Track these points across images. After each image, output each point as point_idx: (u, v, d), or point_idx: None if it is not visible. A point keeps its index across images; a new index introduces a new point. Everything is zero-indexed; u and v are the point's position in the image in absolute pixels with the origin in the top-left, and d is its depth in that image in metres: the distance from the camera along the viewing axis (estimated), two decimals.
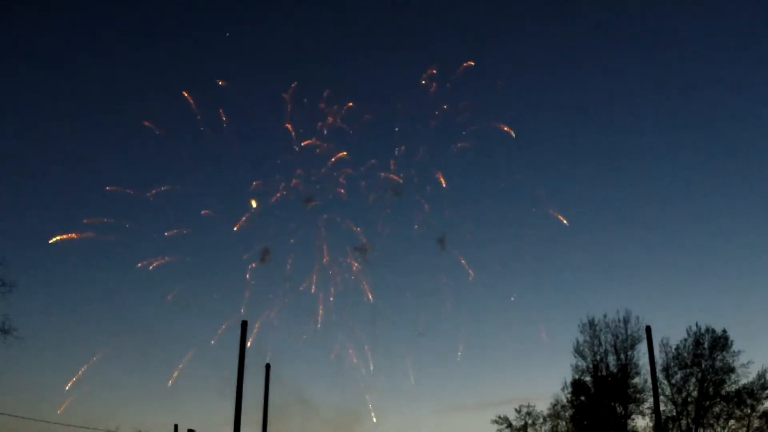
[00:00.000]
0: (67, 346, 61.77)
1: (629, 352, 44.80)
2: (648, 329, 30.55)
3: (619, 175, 69.78)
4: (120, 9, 65.65)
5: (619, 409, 44.80)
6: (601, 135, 70.32)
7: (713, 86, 68.59)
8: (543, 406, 47.65)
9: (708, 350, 43.84)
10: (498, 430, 47.14)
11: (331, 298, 56.99)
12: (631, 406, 44.68)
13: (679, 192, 68.64)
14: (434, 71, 52.17)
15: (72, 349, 62.67)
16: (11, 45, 63.80)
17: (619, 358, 44.96)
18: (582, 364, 45.83)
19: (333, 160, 52.96)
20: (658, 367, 40.55)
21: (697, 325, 44.50)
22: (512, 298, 64.42)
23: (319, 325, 52.38)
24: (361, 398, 53.67)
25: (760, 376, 43.09)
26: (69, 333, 61.82)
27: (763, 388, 43.12)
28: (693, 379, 43.85)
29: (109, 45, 66.39)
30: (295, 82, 53.31)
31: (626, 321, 44.96)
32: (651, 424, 43.21)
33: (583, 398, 46.08)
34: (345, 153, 53.23)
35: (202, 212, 61.68)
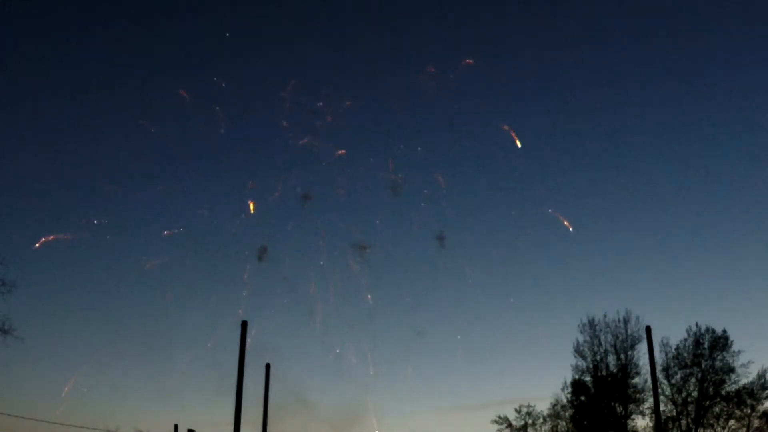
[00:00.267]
0: (67, 346, 61.69)
1: (629, 352, 44.87)
2: (648, 329, 30.56)
3: (619, 174, 69.74)
4: (117, 7, 65.65)
5: (619, 409, 44.81)
6: (601, 135, 70.29)
7: (713, 86, 68.62)
8: (543, 406, 47.66)
9: (708, 350, 43.86)
10: (498, 430, 47.15)
11: (331, 298, 57.02)
12: (631, 406, 44.70)
13: (679, 192, 68.61)
14: (433, 69, 52.18)
15: (72, 349, 62.58)
16: (4, 42, 63.80)
17: (619, 358, 44.99)
18: (582, 364, 45.90)
19: (332, 158, 52.98)
20: (658, 367, 40.57)
21: (697, 325, 44.59)
22: (511, 299, 64.58)
23: (318, 325, 52.38)
24: (361, 398, 53.67)
25: (760, 376, 43.12)
26: (69, 333, 61.73)
27: (763, 388, 43.13)
28: (693, 379, 43.88)
29: (105, 43, 66.39)
30: (293, 80, 53.34)
31: (626, 321, 45.02)
32: (651, 424, 43.22)
33: (583, 398, 46.08)
34: (343, 151, 53.23)
35: (199, 211, 61.69)
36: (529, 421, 46.97)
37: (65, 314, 59.93)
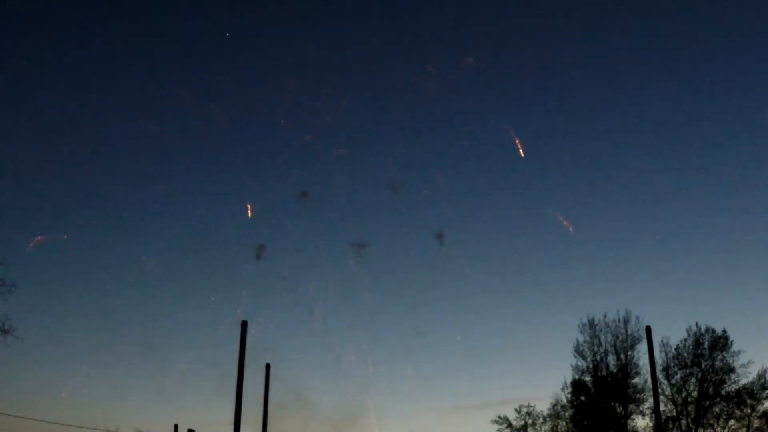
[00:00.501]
0: (67, 346, 61.69)
1: (629, 352, 44.87)
2: (648, 329, 30.56)
3: (619, 174, 69.71)
4: (117, 7, 65.65)
5: (619, 409, 44.80)
6: (601, 135, 70.29)
7: (713, 86, 68.59)
8: (543, 406, 47.67)
9: (708, 350, 43.86)
10: (498, 430, 47.15)
11: (331, 298, 57.08)
12: (631, 406, 44.70)
13: (679, 192, 68.61)
14: (433, 69, 52.26)
15: (72, 349, 62.60)
16: (4, 42, 63.82)
17: (619, 358, 44.99)
18: (582, 364, 45.90)
19: (332, 156, 53.07)
20: (658, 367, 40.57)
21: (697, 325, 44.60)
22: (511, 299, 64.58)
23: (318, 325, 52.43)
24: (361, 398, 53.69)
25: (760, 376, 43.12)
26: (69, 333, 61.75)
27: (763, 388, 43.13)
28: (693, 379, 43.88)
29: (105, 43, 66.39)
30: (293, 80, 53.41)
31: (626, 321, 45.03)
32: (651, 424, 43.22)
33: (583, 398, 46.08)
34: (343, 151, 53.33)
35: (199, 211, 61.79)
36: (529, 421, 47.00)
37: (65, 314, 59.93)
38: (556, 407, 46.82)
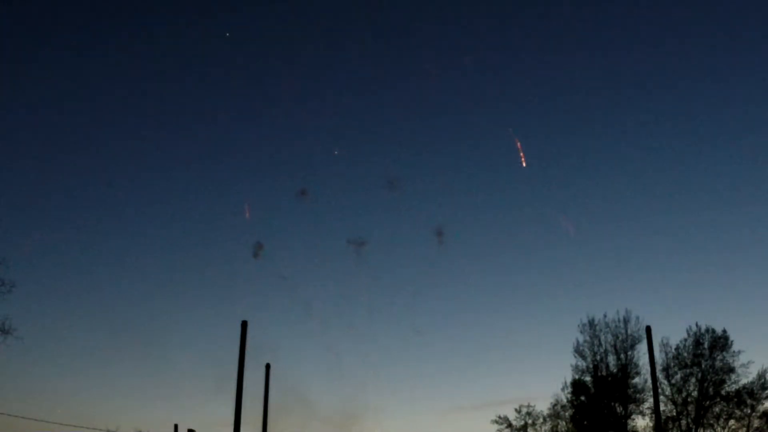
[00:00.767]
0: (67, 346, 61.77)
1: (629, 352, 44.84)
2: (648, 329, 30.53)
3: (618, 174, 69.83)
4: (118, 8, 65.67)
5: (619, 409, 44.78)
6: (601, 134, 70.35)
7: (713, 86, 68.60)
8: (543, 406, 47.68)
9: (708, 350, 43.85)
10: (498, 430, 47.13)
11: (329, 297, 57.06)
12: (631, 406, 44.68)
13: (679, 192, 68.68)
14: (431, 68, 52.27)
15: (72, 349, 62.68)
16: (4, 42, 63.86)
17: (619, 358, 44.96)
18: (582, 364, 45.86)
19: (331, 155, 53.10)
20: (658, 367, 40.56)
21: (697, 325, 44.59)
22: (511, 299, 64.60)
23: (318, 325, 52.45)
24: (361, 398, 53.70)
25: (760, 376, 43.14)
26: (69, 333, 61.81)
27: (763, 388, 43.14)
28: (693, 379, 43.87)
29: (104, 43, 66.40)
30: (292, 79, 53.45)
31: (626, 321, 44.99)
32: (651, 424, 43.22)
33: (583, 398, 46.05)
34: (342, 149, 53.34)
35: (199, 210, 61.73)
36: (529, 421, 46.98)
37: (65, 314, 60.01)
38: (556, 407, 46.86)
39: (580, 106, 70.70)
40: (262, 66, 68.05)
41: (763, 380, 43.05)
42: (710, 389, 43.46)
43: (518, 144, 49.90)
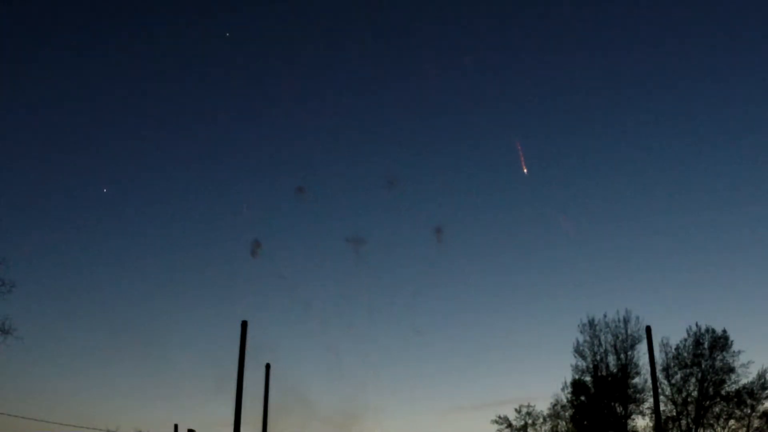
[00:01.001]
0: (67, 346, 61.76)
1: (629, 352, 44.81)
2: (648, 329, 30.50)
3: (618, 174, 69.81)
4: (117, 7, 65.65)
5: (619, 409, 44.76)
6: (601, 135, 70.33)
7: (713, 86, 68.57)
8: (543, 406, 47.63)
9: (708, 350, 43.82)
10: (498, 430, 47.10)
11: (329, 296, 57.06)
12: (631, 406, 44.65)
13: (680, 192, 68.66)
14: (431, 67, 52.31)
15: (72, 349, 62.67)
16: (4, 42, 63.86)
17: (619, 358, 44.94)
18: (582, 364, 45.84)
19: (330, 154, 53.15)
20: (658, 367, 40.54)
21: (697, 325, 44.56)
22: (511, 299, 64.57)
23: (317, 324, 52.44)
24: (361, 398, 53.68)
25: (760, 376, 43.11)
26: (69, 333, 61.83)
27: (763, 388, 43.12)
28: (693, 379, 43.85)
29: (104, 43, 66.39)
30: (292, 78, 53.48)
31: (626, 321, 44.96)
32: (651, 424, 43.20)
33: (583, 398, 46.04)
34: (340, 149, 53.37)
35: (198, 210, 61.71)
36: (529, 421, 46.96)
37: (65, 314, 60.01)
38: (556, 407, 46.84)
39: (580, 107, 70.72)
40: (262, 66, 68.08)
41: (763, 380, 43.05)
42: (710, 389, 43.45)
43: (520, 151, 49.92)
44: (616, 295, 69.26)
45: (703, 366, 43.67)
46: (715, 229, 67.29)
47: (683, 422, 43.56)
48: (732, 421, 43.70)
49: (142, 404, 57.35)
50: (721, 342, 43.72)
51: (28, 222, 66.24)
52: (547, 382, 67.72)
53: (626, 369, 44.56)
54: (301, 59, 64.29)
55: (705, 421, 43.56)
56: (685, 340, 44.33)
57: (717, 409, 43.73)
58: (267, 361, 34.30)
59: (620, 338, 44.95)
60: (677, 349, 44.28)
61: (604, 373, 45.08)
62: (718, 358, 43.54)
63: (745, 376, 43.27)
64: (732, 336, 43.78)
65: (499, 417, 47.22)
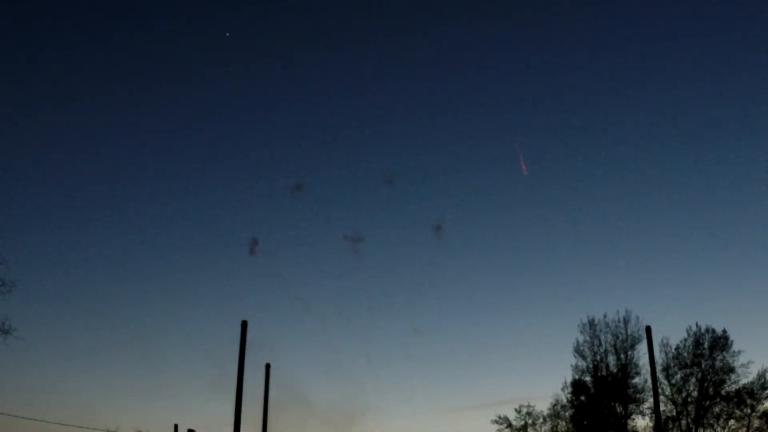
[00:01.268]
0: (67, 346, 61.71)
1: (629, 352, 44.81)
2: (648, 329, 30.48)
3: (618, 174, 69.75)
4: (117, 7, 65.66)
5: (619, 409, 44.76)
6: (601, 135, 70.28)
7: (713, 85, 68.54)
8: (543, 406, 47.63)
9: (708, 350, 43.83)
10: (498, 430, 47.10)
11: (328, 295, 57.05)
12: (631, 406, 44.65)
13: (679, 192, 68.59)
14: (431, 67, 52.33)
15: (72, 349, 62.61)
16: (4, 42, 63.85)
17: (619, 358, 44.93)
18: (582, 364, 45.83)
19: (329, 153, 53.20)
20: (658, 367, 40.55)
21: (697, 325, 44.56)
22: (511, 299, 64.57)
23: (316, 323, 52.43)
24: (361, 398, 53.64)
25: (760, 376, 43.14)
26: (69, 333, 61.81)
27: (763, 388, 43.13)
28: (693, 379, 43.85)
29: (104, 43, 66.39)
30: (291, 78, 53.52)
31: (626, 321, 44.96)
32: (651, 424, 43.19)
33: (583, 398, 46.03)
34: (338, 147, 53.41)
35: (198, 210, 61.71)
36: (529, 421, 46.95)
37: (65, 314, 59.98)
38: (556, 407, 46.83)
39: (580, 107, 70.66)
40: (261, 66, 68.07)
41: (763, 380, 43.06)
42: (710, 389, 43.45)
43: (520, 154, 49.93)
44: (616, 295, 69.21)
45: (703, 366, 43.68)
46: (715, 229, 67.27)
47: (683, 422, 43.56)
48: (732, 421, 43.74)
49: (142, 404, 57.32)
50: (721, 342, 43.73)
51: (28, 222, 66.22)
52: (547, 382, 67.69)
53: (626, 369, 44.56)
54: (300, 59, 64.31)
55: (705, 421, 43.56)
56: (685, 340, 44.41)
57: (717, 409, 43.74)
58: (267, 361, 34.30)
59: (620, 338, 44.99)
60: (677, 349, 44.36)
61: (604, 373, 45.08)
62: (718, 358, 43.57)
63: (745, 376, 43.39)
64: (732, 336, 43.89)
65: (499, 417, 47.27)
